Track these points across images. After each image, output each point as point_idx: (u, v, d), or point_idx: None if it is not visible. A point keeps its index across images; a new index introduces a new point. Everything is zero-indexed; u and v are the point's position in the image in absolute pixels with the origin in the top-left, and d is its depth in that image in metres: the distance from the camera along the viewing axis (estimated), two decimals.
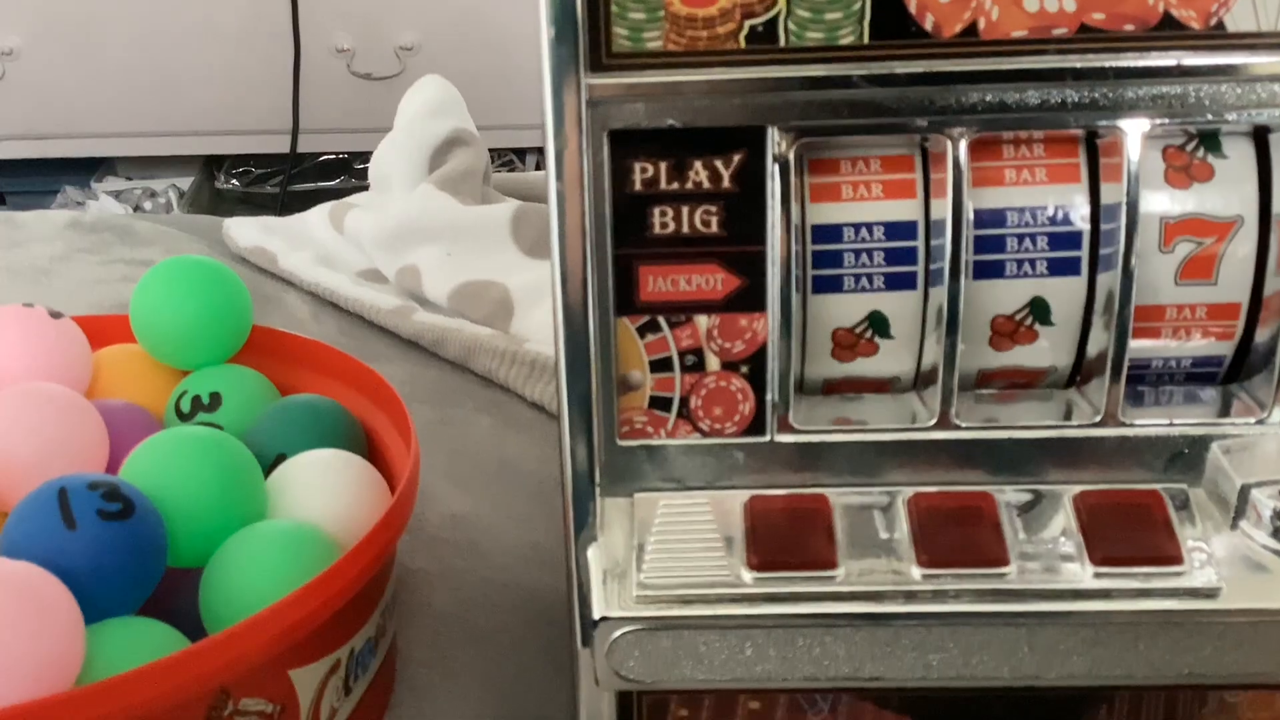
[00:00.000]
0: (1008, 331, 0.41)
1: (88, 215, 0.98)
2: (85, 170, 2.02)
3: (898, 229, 0.40)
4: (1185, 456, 0.40)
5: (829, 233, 0.40)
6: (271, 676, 0.43)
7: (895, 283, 0.40)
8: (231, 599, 0.44)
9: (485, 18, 1.91)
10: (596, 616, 0.38)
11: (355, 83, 1.95)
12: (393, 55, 1.93)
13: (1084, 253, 0.40)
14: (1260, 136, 0.40)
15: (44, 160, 1.99)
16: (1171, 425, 0.40)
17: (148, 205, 1.93)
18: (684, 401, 0.40)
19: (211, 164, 2.06)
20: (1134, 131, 0.38)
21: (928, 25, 0.37)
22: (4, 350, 0.53)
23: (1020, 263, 0.40)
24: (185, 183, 2.00)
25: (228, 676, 0.41)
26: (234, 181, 2.03)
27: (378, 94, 1.93)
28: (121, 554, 0.42)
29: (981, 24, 0.37)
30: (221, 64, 1.92)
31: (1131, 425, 0.40)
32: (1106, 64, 0.37)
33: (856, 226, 0.40)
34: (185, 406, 0.55)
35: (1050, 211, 0.40)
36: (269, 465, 0.51)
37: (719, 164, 0.38)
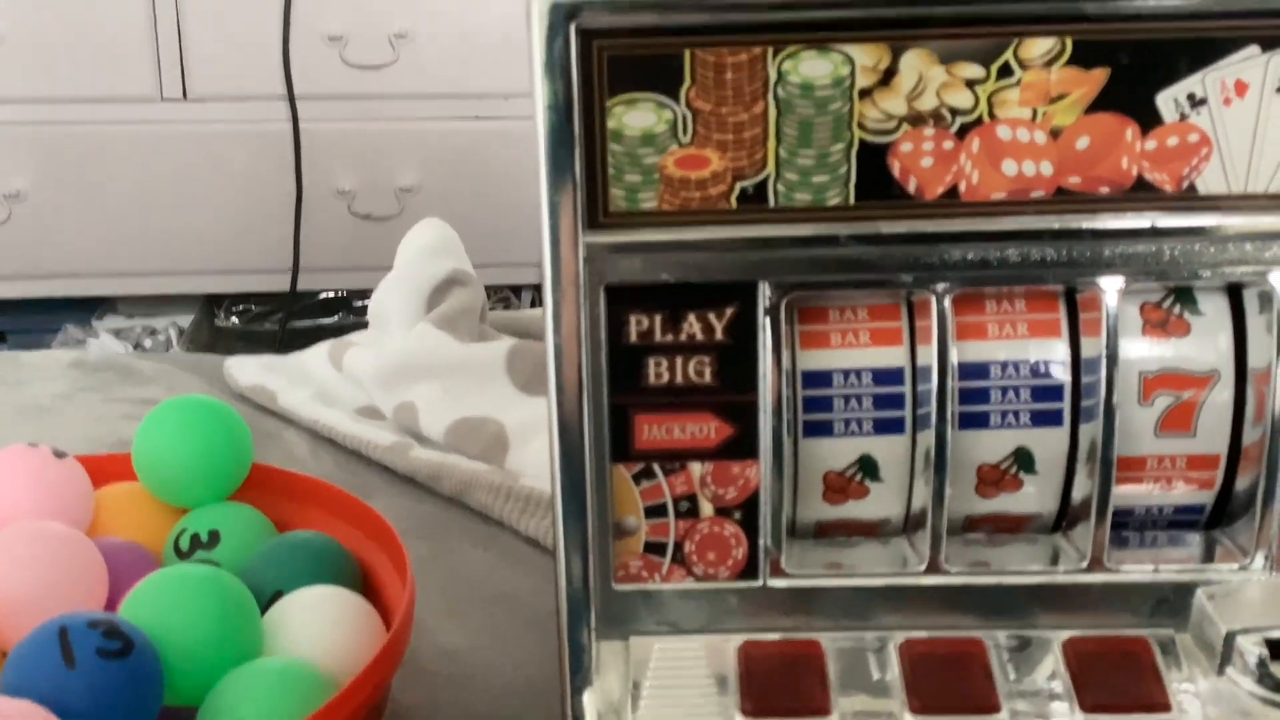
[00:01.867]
0: (993, 479, 0.42)
1: (90, 354, 0.99)
2: (86, 309, 2.03)
3: (885, 375, 0.41)
4: (1171, 602, 0.41)
5: (819, 378, 0.41)
6: None
7: (884, 427, 0.41)
8: None
9: (482, 161, 1.95)
10: None
11: (355, 222, 1.98)
12: (393, 196, 1.97)
13: (1066, 404, 0.41)
14: (1234, 291, 0.41)
15: (46, 299, 2.00)
16: (1157, 571, 0.41)
17: (148, 343, 1.94)
18: (678, 546, 0.41)
19: (211, 302, 2.07)
20: (1111, 288, 0.39)
21: (911, 188, 0.39)
22: (9, 489, 0.54)
23: (1004, 414, 0.41)
24: (185, 320, 2.00)
25: None
26: (234, 319, 2.04)
27: (377, 233, 1.95)
28: (120, 692, 0.43)
29: (962, 187, 0.39)
30: (224, 204, 1.95)
31: (1117, 570, 0.41)
32: (1083, 225, 0.39)
33: (845, 372, 0.41)
34: (184, 544, 0.56)
35: (1032, 364, 0.41)
36: (265, 602, 0.51)
37: (712, 317, 0.40)
